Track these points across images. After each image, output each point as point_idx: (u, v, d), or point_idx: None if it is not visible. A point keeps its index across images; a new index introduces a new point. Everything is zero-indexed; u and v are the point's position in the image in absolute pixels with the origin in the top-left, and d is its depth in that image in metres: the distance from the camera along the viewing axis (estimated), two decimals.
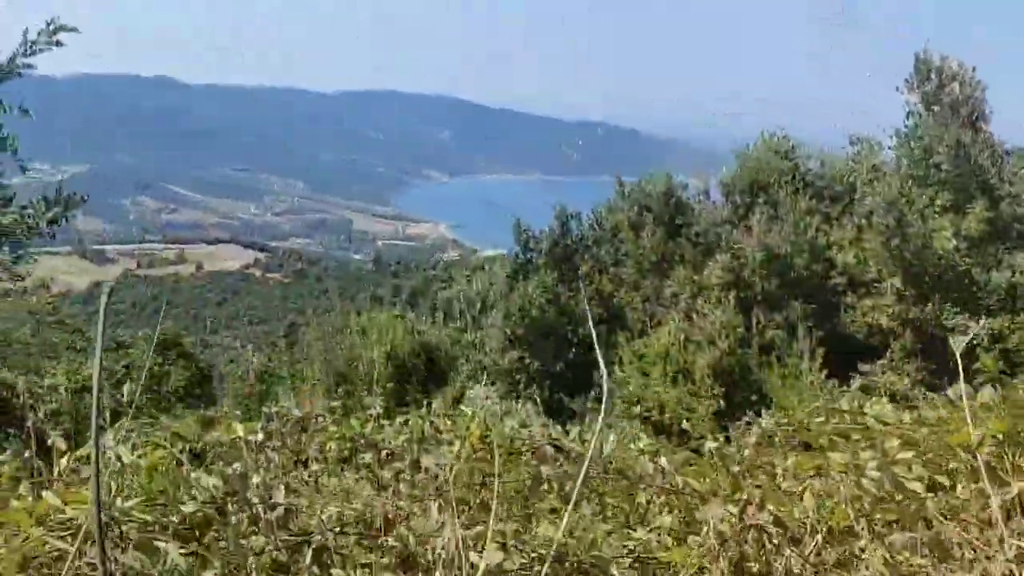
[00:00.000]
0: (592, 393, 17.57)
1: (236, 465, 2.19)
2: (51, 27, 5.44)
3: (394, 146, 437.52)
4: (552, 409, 18.43)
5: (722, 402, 14.01)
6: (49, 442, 2.13)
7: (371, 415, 2.56)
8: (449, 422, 2.65)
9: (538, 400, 18.33)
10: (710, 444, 2.51)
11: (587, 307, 18.03)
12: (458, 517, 2.37)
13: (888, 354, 15.54)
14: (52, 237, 6.22)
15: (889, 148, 19.52)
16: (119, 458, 2.02)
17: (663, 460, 2.37)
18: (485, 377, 20.61)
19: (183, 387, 26.06)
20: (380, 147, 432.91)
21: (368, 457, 2.47)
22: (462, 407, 2.68)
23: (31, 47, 5.47)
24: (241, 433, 2.32)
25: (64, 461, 2.07)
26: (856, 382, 12.42)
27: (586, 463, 2.01)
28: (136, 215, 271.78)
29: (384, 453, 2.50)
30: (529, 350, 18.68)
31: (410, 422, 2.66)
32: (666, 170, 21.96)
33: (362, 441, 2.47)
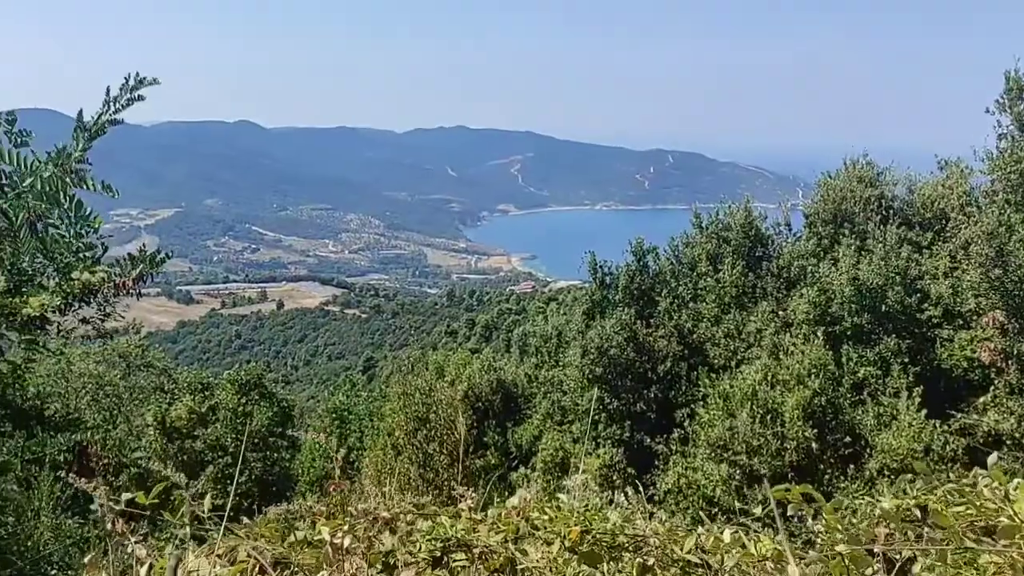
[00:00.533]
0: (674, 434, 17.09)
1: (323, 574, 2.04)
2: (132, 82, 5.48)
3: (466, 181, 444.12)
4: (633, 450, 17.99)
5: (814, 444, 13.41)
6: (130, 550, 2.01)
7: (462, 510, 2.37)
8: (546, 515, 2.44)
9: (620, 440, 17.94)
10: (842, 547, 2.23)
11: None
12: None
13: (991, 391, 14.67)
14: (139, 296, 6.22)
15: (981, 172, 18.66)
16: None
17: (792, 570, 2.11)
18: (562, 416, 20.31)
19: (266, 427, 26.49)
20: (452, 182, 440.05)
21: (462, 558, 2.28)
22: (560, 496, 2.46)
23: (114, 103, 5.52)
24: (327, 536, 2.16)
25: (144, 572, 1.95)
26: (957, 422, 11.73)
27: None
28: (220, 256, 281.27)
29: (478, 552, 2.31)
30: (608, 389, 18.31)
31: (502, 514, 2.46)
32: (742, 199, 21.44)
33: (454, 541, 2.29)
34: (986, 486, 2.72)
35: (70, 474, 2.18)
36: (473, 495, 2.44)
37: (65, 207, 4.99)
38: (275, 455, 26.95)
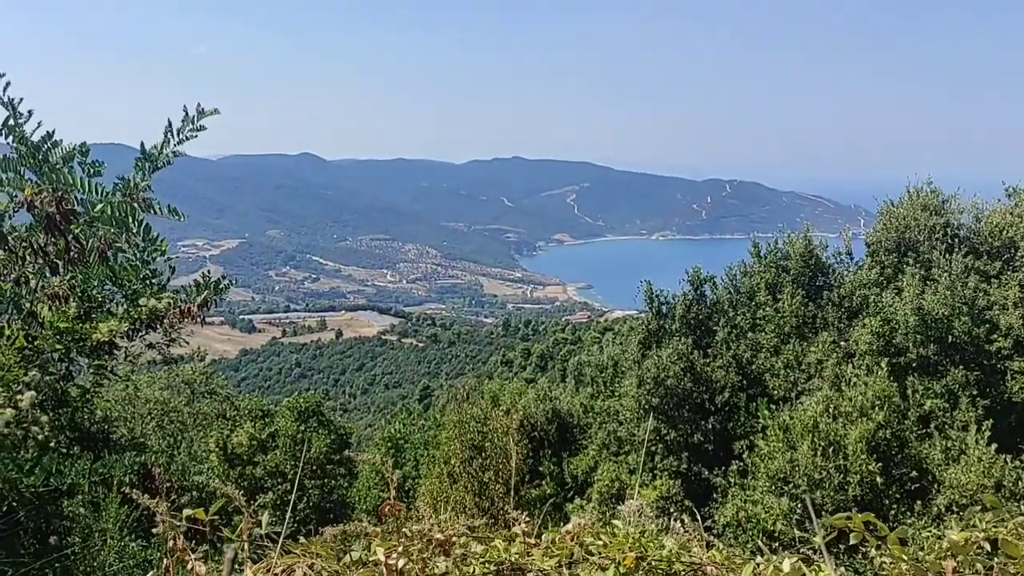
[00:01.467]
0: (732, 466, 16.75)
1: None
2: (194, 114, 5.67)
3: (522, 211, 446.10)
4: (691, 482, 17.69)
5: (879, 478, 13.00)
6: (190, 567, 2.06)
7: (516, 534, 2.37)
8: (600, 541, 2.42)
9: (677, 472, 17.67)
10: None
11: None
12: None
13: None
14: (203, 321, 6.41)
15: None
16: None
17: None
18: (619, 447, 20.08)
19: (323, 455, 26.76)
20: (508, 212, 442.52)
21: None
22: (615, 523, 2.44)
23: (177, 135, 5.73)
24: (381, 557, 2.18)
25: None
26: None
27: None
28: (281, 285, 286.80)
29: None
30: (665, 420, 18.08)
31: (556, 539, 2.44)
32: (802, 228, 21.11)
33: (508, 565, 2.28)
34: None
35: (134, 490, 2.25)
36: (527, 519, 2.43)
37: (134, 232, 5.16)
38: (332, 483, 27.19)
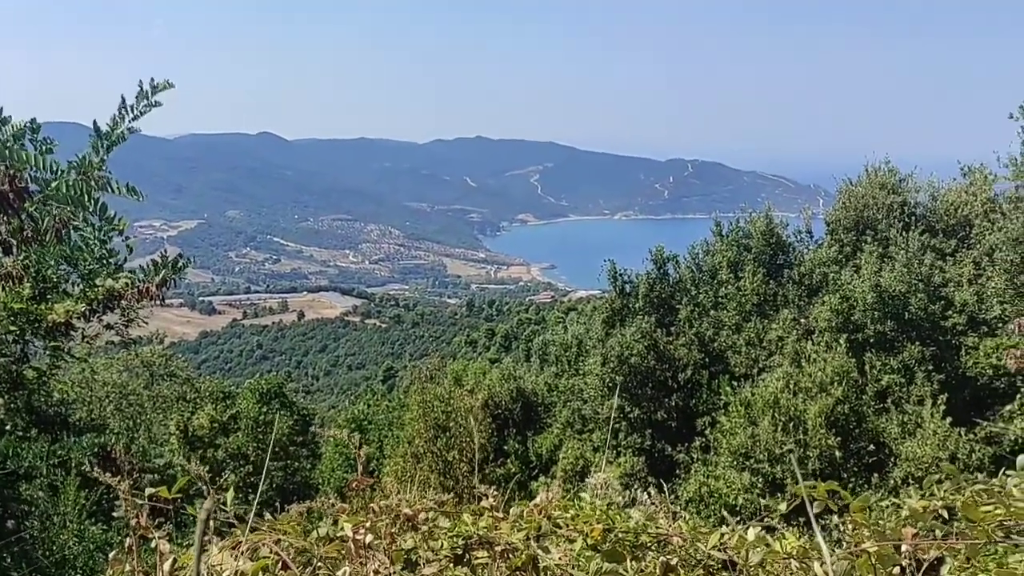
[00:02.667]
0: (695, 443, 16.97)
1: (345, 570, 2.04)
2: (148, 88, 5.54)
3: (485, 191, 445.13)
4: (654, 459, 17.89)
5: (837, 452, 13.27)
6: (153, 545, 2.02)
7: (484, 508, 2.37)
8: (568, 514, 2.42)
9: (640, 449, 17.85)
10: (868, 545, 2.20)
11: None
12: None
13: (1018, 399, 14.45)
14: (161, 301, 6.29)
15: (1005, 179, 18.46)
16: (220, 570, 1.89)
17: (817, 568, 2.09)
18: (583, 425, 20.23)
19: (286, 436, 26.60)
20: (472, 193, 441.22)
21: (483, 556, 2.28)
22: (582, 495, 2.45)
23: (131, 110, 5.58)
24: (349, 532, 2.16)
25: (167, 567, 1.96)
26: (983, 430, 11.56)
27: None
28: (242, 266, 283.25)
29: (500, 550, 2.30)
30: (629, 398, 18.23)
31: (524, 512, 2.44)
32: (763, 208, 21.33)
33: (476, 538, 2.28)
34: (1015, 486, 2.67)
35: (95, 470, 2.20)
36: (495, 493, 2.43)
37: (90, 210, 5.04)
38: (296, 464, 27.05)
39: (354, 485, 2.44)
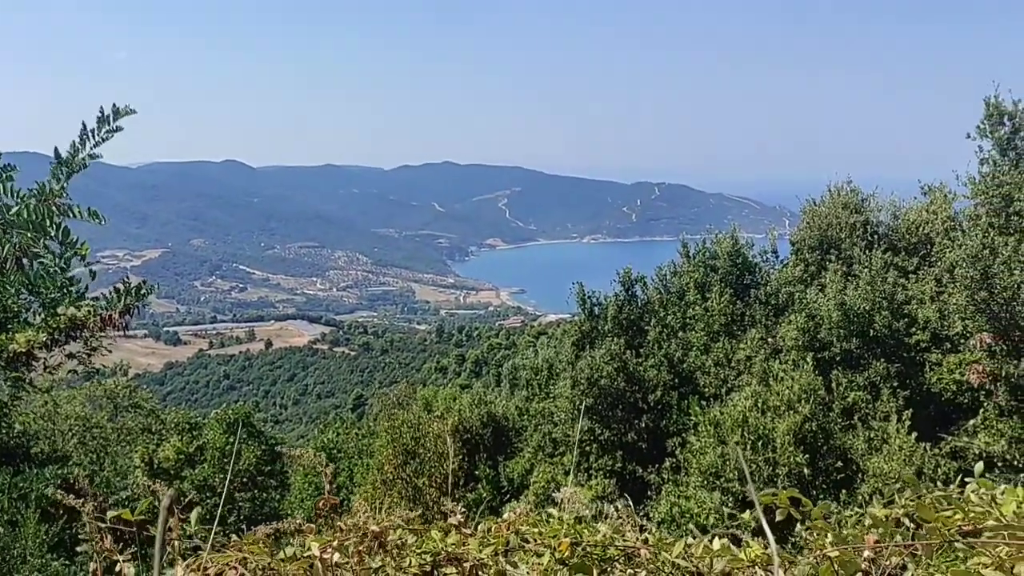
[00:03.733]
0: (666, 463, 17.01)
1: None
2: (108, 114, 5.50)
3: (453, 216, 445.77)
4: (625, 481, 17.89)
5: (806, 469, 13.38)
6: (118, 568, 1.99)
7: (452, 525, 2.36)
8: (536, 529, 2.43)
9: (611, 472, 17.85)
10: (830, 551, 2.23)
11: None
12: None
13: (981, 413, 14.71)
14: (125, 328, 6.23)
15: (965, 197, 18.89)
16: None
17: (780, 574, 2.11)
18: (554, 448, 20.19)
19: (254, 466, 26.21)
20: (440, 218, 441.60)
21: (452, 572, 2.27)
22: (550, 511, 2.46)
23: (92, 135, 5.54)
24: (316, 551, 2.15)
25: None
26: (948, 445, 11.72)
27: None
28: (207, 296, 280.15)
29: (468, 566, 2.30)
30: (599, 420, 18.25)
31: (492, 528, 2.45)
32: (729, 229, 21.59)
33: (444, 555, 2.27)
34: (973, 492, 2.73)
35: (58, 495, 2.17)
36: (463, 510, 2.43)
37: (52, 235, 4.98)
38: (264, 495, 26.64)
39: (321, 504, 2.42)
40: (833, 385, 15.91)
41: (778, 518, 2.22)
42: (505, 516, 2.50)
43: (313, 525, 2.36)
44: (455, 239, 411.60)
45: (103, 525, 1.99)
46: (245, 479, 25.55)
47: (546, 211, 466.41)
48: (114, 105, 5.23)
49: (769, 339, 17.66)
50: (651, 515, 15.35)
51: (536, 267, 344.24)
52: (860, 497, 13.38)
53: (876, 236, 19.85)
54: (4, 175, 5.44)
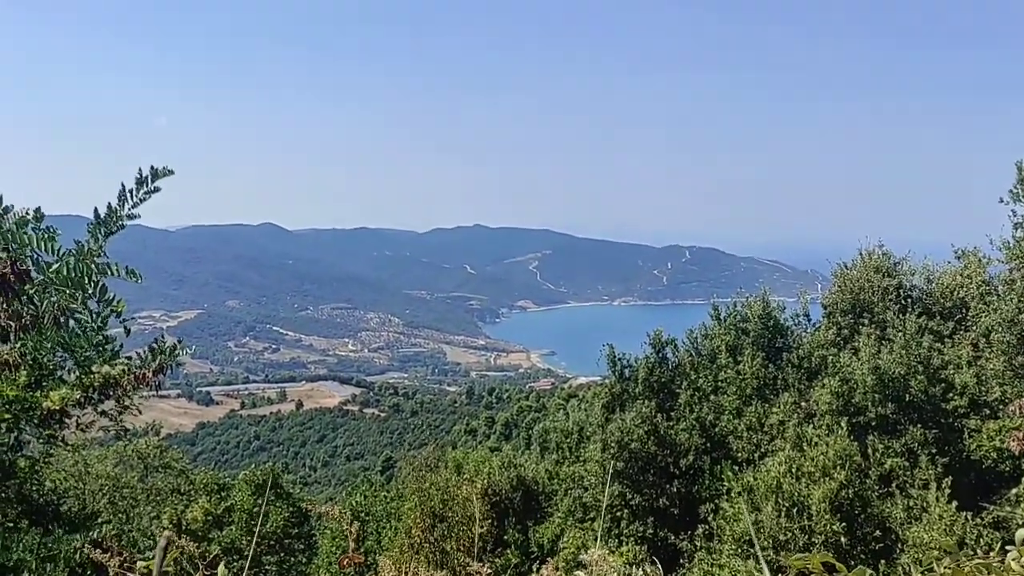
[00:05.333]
0: (698, 530, 16.63)
1: None
2: (147, 175, 5.64)
3: (484, 279, 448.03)
4: (657, 547, 17.49)
5: (843, 538, 13.00)
6: None
7: None
8: None
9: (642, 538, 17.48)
10: None
11: None
12: None
13: (1023, 482, 14.26)
14: (158, 388, 6.28)
15: (999, 261, 18.68)
16: None
17: None
18: (584, 513, 19.85)
19: (281, 528, 26.05)
20: (471, 280, 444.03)
21: None
22: (577, 574, 2.43)
23: (131, 196, 5.68)
24: None
25: None
26: (990, 514, 11.34)
27: None
28: (241, 356, 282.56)
29: None
30: (630, 484, 17.96)
31: None
32: (760, 292, 21.43)
33: None
34: (1014, 559, 2.65)
35: (85, 545, 2.18)
36: (489, 572, 2.40)
37: (89, 292, 5.08)
38: (291, 558, 26.42)
39: (344, 562, 2.40)
40: (869, 451, 15.56)
41: None
42: None
43: None
44: (486, 301, 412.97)
45: None
46: (272, 542, 25.40)
47: (576, 274, 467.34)
48: (152, 166, 5.37)
49: (802, 403, 17.37)
50: None
51: (566, 329, 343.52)
52: (900, 568, 12.96)
53: (910, 300, 19.61)
54: (47, 235, 5.60)
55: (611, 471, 17.56)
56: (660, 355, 20.70)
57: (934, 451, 15.46)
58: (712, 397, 19.41)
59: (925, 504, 13.72)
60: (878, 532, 13.67)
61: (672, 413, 19.47)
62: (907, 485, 14.79)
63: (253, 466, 35.59)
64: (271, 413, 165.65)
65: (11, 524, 6.27)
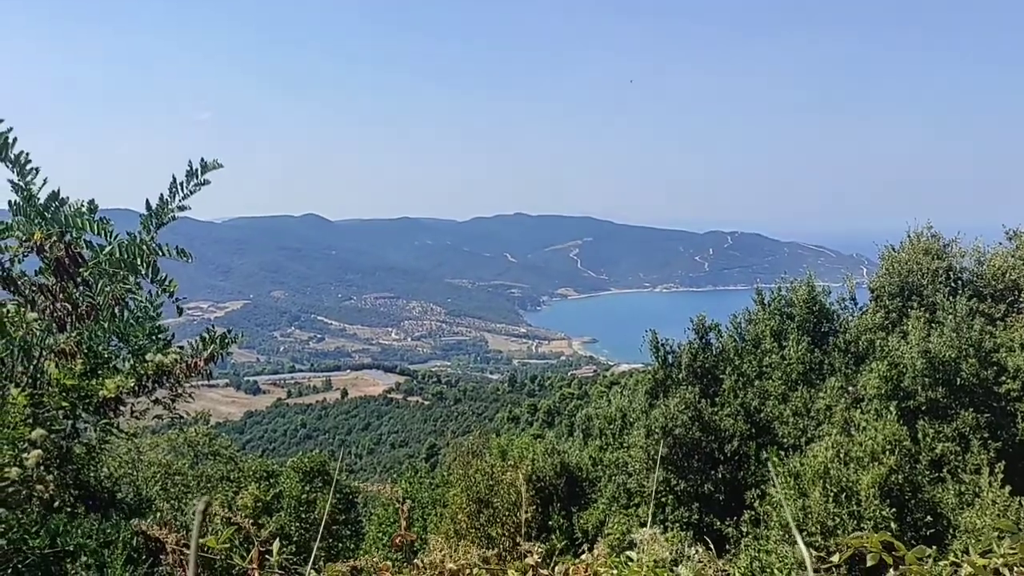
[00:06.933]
0: (744, 516, 16.50)
1: None
2: (196, 168, 5.77)
3: (525, 267, 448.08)
4: (702, 533, 17.41)
5: (893, 524, 12.81)
6: None
7: (529, 565, 2.36)
8: (614, 571, 2.40)
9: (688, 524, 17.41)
10: None
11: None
12: None
13: None
14: (209, 376, 6.43)
15: None
16: None
17: None
18: (628, 499, 19.83)
19: (329, 515, 26.40)
20: (512, 268, 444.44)
21: None
22: (628, 554, 2.43)
23: (181, 188, 5.81)
24: None
25: None
26: None
27: None
28: (286, 346, 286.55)
29: None
30: (675, 470, 17.88)
31: (570, 570, 2.43)
32: (805, 276, 21.11)
33: None
34: None
35: (140, 531, 2.25)
36: (540, 548, 2.42)
37: (143, 273, 5.20)
38: (339, 544, 26.78)
39: (397, 540, 2.44)
40: (919, 436, 15.29)
41: (868, 563, 2.15)
42: (584, 557, 2.48)
43: (389, 563, 2.38)
44: (527, 289, 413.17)
45: (185, 553, 2.06)
46: (321, 528, 25.74)
47: (617, 261, 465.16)
48: (202, 159, 5.48)
49: (849, 388, 17.11)
50: (730, 571, 14.88)
51: (608, 316, 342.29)
52: (952, 554, 12.74)
53: (960, 282, 19.17)
54: (99, 228, 5.74)
55: (658, 457, 17.51)
56: (704, 341, 20.53)
57: (986, 435, 15.14)
58: (757, 382, 19.21)
59: (977, 489, 13.46)
60: (929, 518, 13.44)
61: (716, 399, 19.32)
62: (959, 470, 14.51)
63: (300, 454, 36.12)
64: (317, 401, 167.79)
65: (70, 510, 6.46)
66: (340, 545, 26.97)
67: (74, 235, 5.27)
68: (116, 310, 5.88)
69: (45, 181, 5.36)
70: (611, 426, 22.90)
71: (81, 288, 5.42)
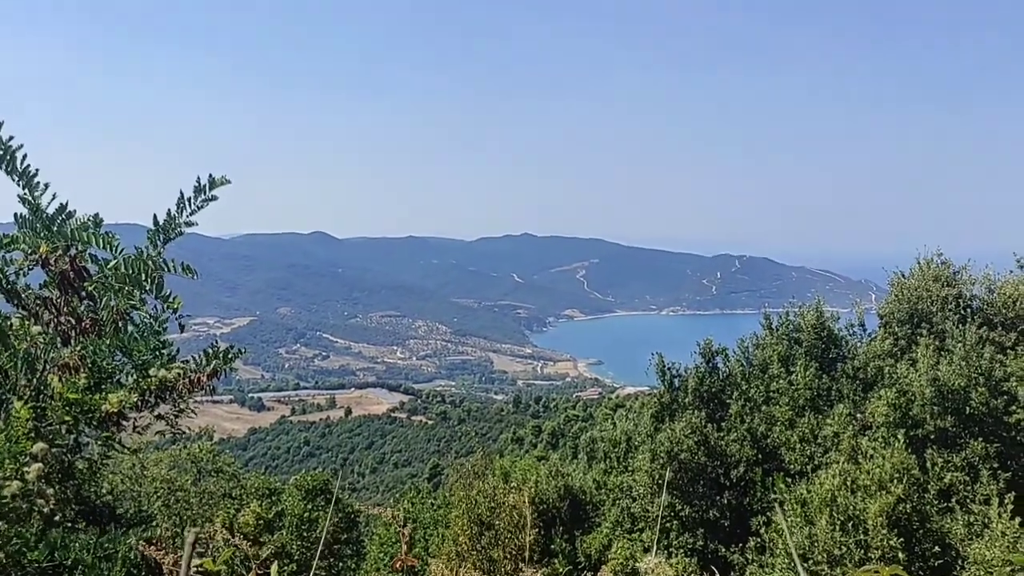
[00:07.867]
0: (750, 543, 16.33)
1: None
2: (204, 184, 5.76)
3: (532, 287, 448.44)
4: (707, 560, 17.23)
5: (900, 554, 12.65)
6: None
7: None
8: None
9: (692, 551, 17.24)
10: None
11: None
12: None
13: None
14: (212, 391, 6.39)
15: None
16: None
17: None
18: (632, 524, 19.66)
19: (331, 534, 26.27)
20: (518, 289, 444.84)
21: None
22: None
23: (189, 203, 5.80)
24: None
25: None
26: None
27: None
28: (291, 363, 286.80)
29: None
30: (679, 495, 17.74)
31: None
32: (813, 301, 21.02)
33: None
34: None
35: (140, 542, 2.20)
36: (543, 572, 2.37)
37: (147, 289, 5.18)
38: (340, 564, 26.62)
39: (397, 564, 2.39)
40: (928, 465, 15.13)
41: None
42: None
43: None
44: (533, 310, 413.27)
45: None
46: (321, 547, 25.60)
47: (624, 283, 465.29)
48: (210, 175, 5.48)
49: (857, 415, 16.98)
50: None
51: (614, 338, 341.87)
52: None
53: (970, 310, 19.05)
54: (105, 242, 5.73)
55: (663, 482, 17.37)
56: (710, 365, 20.43)
57: (996, 466, 14.97)
58: (764, 408, 19.08)
59: (987, 520, 13.29)
60: (937, 548, 13.27)
61: (723, 424, 19.19)
62: (968, 500, 14.34)
63: (303, 471, 36.00)
64: (321, 419, 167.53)
65: (70, 524, 6.41)
66: (341, 565, 26.81)
67: (79, 248, 5.26)
68: (120, 324, 5.85)
69: (54, 196, 5.36)
70: (616, 449, 22.78)
71: (86, 302, 5.41)
